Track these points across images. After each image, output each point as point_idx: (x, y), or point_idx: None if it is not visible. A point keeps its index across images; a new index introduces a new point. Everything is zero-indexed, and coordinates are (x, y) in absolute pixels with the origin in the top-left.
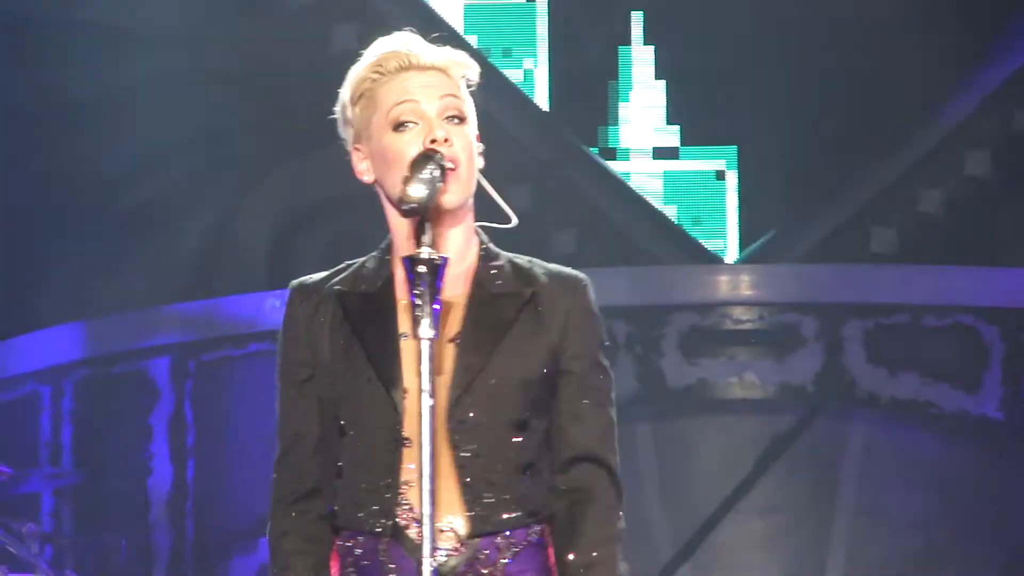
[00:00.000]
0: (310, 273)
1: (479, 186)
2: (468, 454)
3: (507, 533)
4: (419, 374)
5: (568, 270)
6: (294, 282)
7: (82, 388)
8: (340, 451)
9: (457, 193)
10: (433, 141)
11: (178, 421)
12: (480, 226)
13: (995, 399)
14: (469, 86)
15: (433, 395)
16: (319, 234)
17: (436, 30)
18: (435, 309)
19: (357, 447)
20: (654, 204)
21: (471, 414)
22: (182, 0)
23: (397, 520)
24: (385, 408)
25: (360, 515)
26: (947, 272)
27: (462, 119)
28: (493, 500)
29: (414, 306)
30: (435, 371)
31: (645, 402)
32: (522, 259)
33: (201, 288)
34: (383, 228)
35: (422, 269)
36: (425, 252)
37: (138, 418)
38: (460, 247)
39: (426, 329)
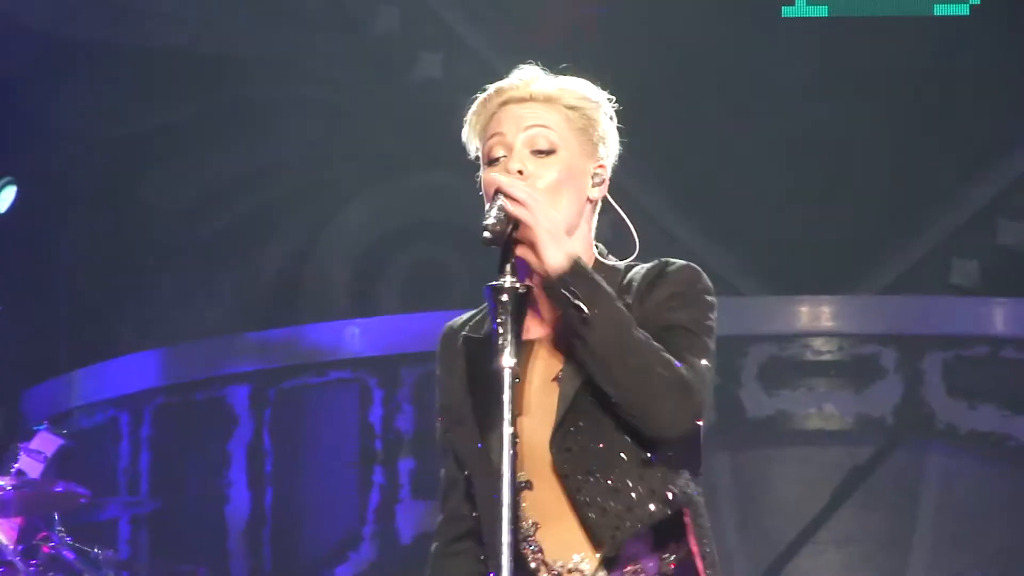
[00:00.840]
0: (389, 300)
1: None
2: (580, 481)
3: (637, 566)
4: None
5: (667, 260)
6: (446, 324)
7: (161, 415)
8: (474, 501)
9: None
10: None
11: (256, 448)
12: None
13: None
14: (588, 116)
15: (519, 431)
16: (400, 262)
17: (521, 59)
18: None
19: (482, 496)
20: (734, 234)
21: (578, 439)
22: (267, 26)
23: (530, 564)
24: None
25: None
26: None
27: (551, 151)
28: (616, 524)
29: (496, 335)
30: (537, 409)
31: (724, 432)
32: (637, 268)
33: (282, 315)
34: (465, 255)
35: (504, 298)
36: (507, 281)
37: (216, 445)
38: None
39: (507, 359)
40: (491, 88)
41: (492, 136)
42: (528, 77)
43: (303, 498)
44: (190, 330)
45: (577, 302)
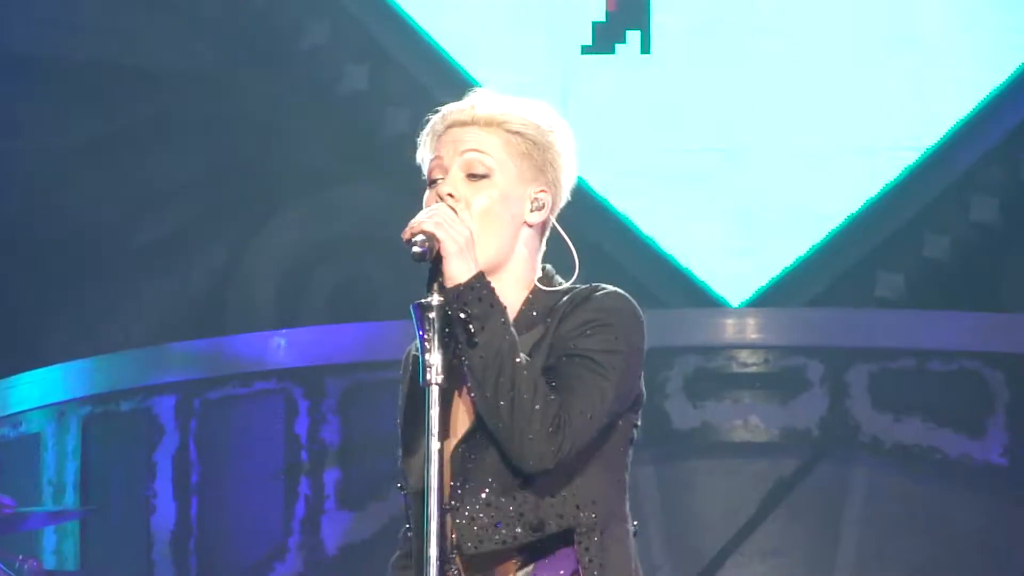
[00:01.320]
0: (315, 312)
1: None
2: (454, 488)
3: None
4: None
5: (597, 286)
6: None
7: (87, 425)
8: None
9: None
10: (439, 199)
11: (182, 459)
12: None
13: (999, 445)
14: (532, 141)
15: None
16: (327, 274)
17: (448, 73)
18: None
19: (411, 513)
20: (659, 247)
21: (477, 453)
22: (194, 40)
23: None
24: (415, 474)
25: None
26: (952, 317)
27: (484, 175)
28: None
29: (422, 351)
30: (462, 428)
31: (650, 444)
32: (576, 292)
33: (208, 326)
34: (391, 268)
35: (431, 315)
36: (435, 299)
37: (142, 455)
38: (506, 296)
39: (433, 375)
40: (441, 110)
41: (433, 159)
42: (475, 100)
43: (229, 509)
44: (116, 341)
45: (467, 320)
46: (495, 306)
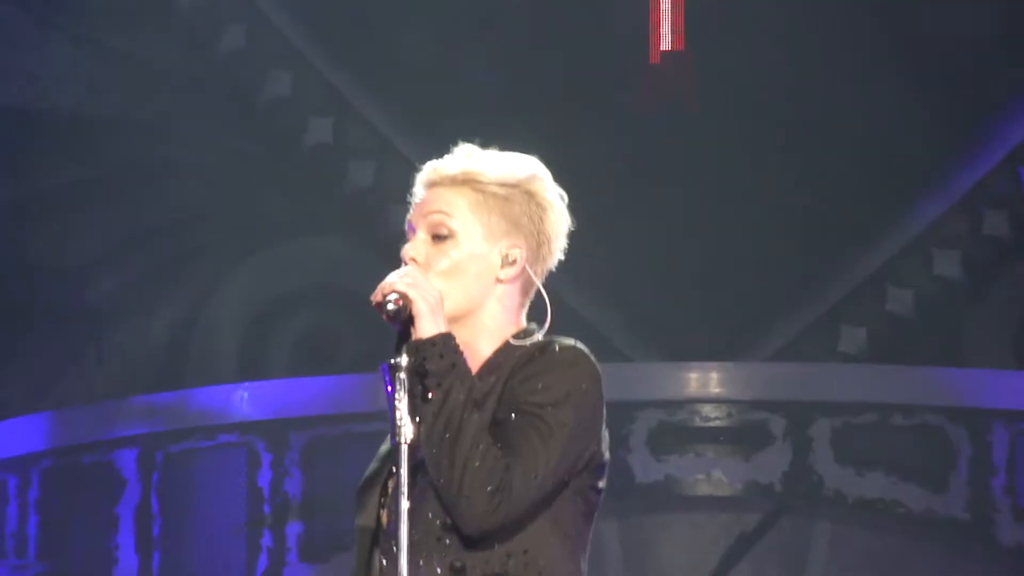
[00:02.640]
0: (278, 365)
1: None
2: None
3: None
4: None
5: (552, 340)
6: None
7: (48, 478)
8: None
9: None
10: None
11: (144, 511)
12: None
13: (961, 499)
14: (501, 197)
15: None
16: (290, 326)
17: (412, 124)
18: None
19: (356, 547)
20: (622, 297)
21: (422, 494)
22: (151, 89)
23: None
24: (370, 513)
25: None
26: (915, 372)
27: (447, 236)
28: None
29: (392, 410)
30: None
31: (612, 498)
32: (531, 345)
33: (170, 379)
34: (354, 320)
35: (402, 376)
36: (404, 360)
37: (104, 508)
38: (476, 351)
39: (406, 433)
40: (424, 167)
41: (408, 220)
42: (448, 159)
43: (191, 562)
44: (78, 393)
45: (423, 375)
46: (456, 366)
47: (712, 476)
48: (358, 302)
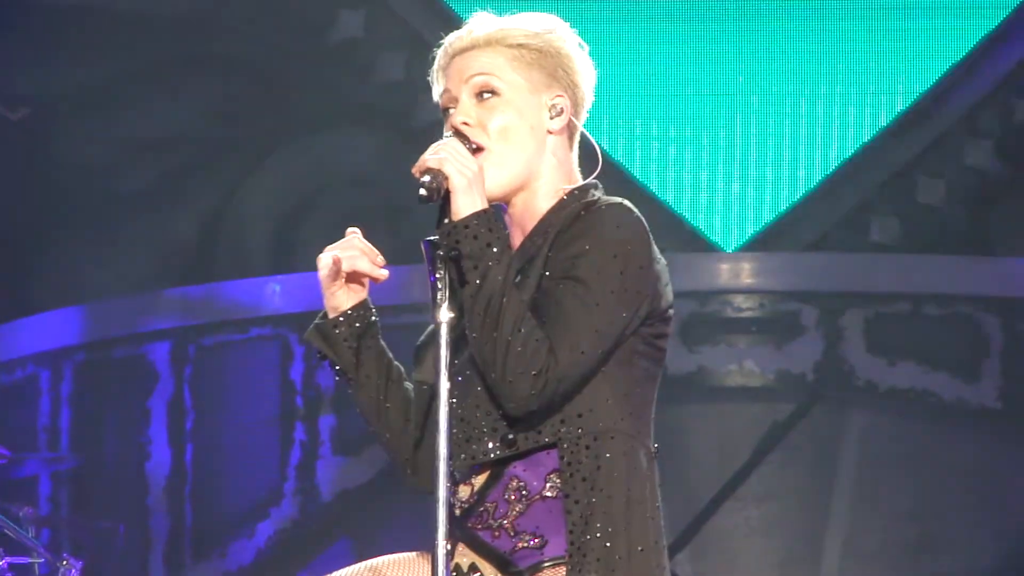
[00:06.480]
0: (310, 257)
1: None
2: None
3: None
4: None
5: (591, 201)
6: None
7: (81, 372)
8: None
9: (492, 173)
10: (455, 129)
11: (177, 405)
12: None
13: (993, 388)
14: (537, 50)
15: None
16: (322, 217)
17: (445, 18)
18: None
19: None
20: (654, 192)
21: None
22: None
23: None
24: (427, 369)
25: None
26: (947, 261)
27: (494, 93)
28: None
29: (434, 289)
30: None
31: None
32: (575, 206)
33: (202, 272)
34: (385, 214)
35: (441, 252)
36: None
37: (137, 402)
38: (535, 209)
39: (443, 313)
40: (443, 42)
41: (443, 93)
42: (472, 25)
43: (224, 455)
44: (109, 287)
45: (458, 258)
46: (491, 245)
47: (744, 366)
48: (389, 194)
